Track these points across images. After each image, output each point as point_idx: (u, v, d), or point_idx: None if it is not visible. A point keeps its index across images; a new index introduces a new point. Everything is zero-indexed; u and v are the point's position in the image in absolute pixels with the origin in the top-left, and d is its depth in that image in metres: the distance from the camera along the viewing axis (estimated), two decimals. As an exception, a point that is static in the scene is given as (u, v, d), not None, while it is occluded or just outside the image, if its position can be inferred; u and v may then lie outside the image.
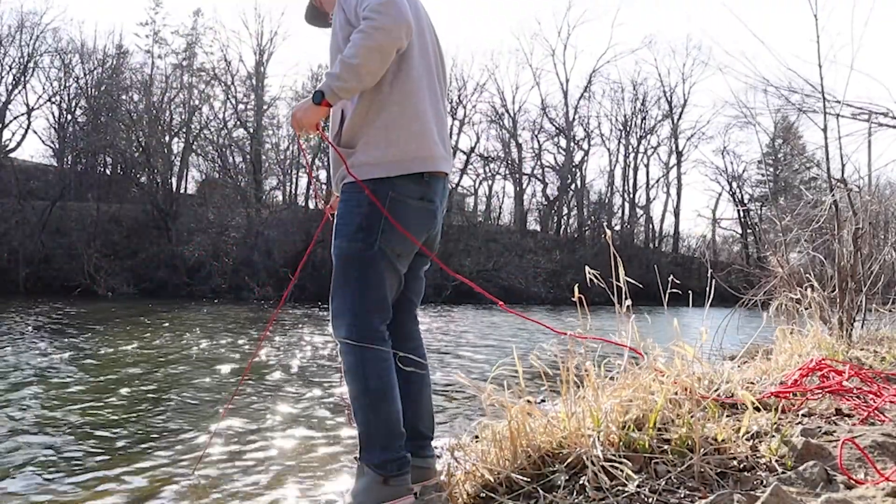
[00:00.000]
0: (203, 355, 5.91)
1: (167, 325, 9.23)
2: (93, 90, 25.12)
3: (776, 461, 1.57)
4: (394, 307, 1.85)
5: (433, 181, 1.82)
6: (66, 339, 6.91)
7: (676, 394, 1.82)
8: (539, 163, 35.65)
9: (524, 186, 34.68)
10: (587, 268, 1.89)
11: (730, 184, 35.87)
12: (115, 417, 3.37)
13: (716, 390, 2.11)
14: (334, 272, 1.80)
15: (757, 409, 2.02)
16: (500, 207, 35.08)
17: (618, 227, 34.58)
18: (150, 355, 5.80)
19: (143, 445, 2.85)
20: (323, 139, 1.87)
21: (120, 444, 2.87)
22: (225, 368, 5.16)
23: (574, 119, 34.99)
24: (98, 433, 3.05)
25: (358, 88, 1.70)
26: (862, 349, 3.75)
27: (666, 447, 1.63)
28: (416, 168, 1.77)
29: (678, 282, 1.90)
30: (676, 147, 36.16)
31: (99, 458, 2.65)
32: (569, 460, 1.59)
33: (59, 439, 2.91)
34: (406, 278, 1.89)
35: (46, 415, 3.38)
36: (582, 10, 54.91)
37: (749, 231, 33.56)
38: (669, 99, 35.83)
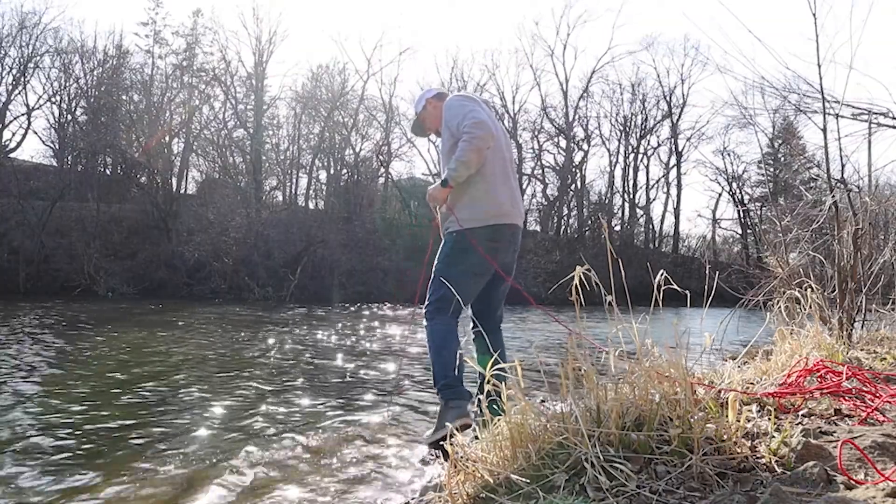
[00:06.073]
0: (205, 355, 5.91)
1: (168, 325, 9.23)
2: (93, 90, 25.14)
3: (776, 461, 1.57)
4: (482, 310, 3.02)
5: (500, 228, 2.82)
6: (66, 340, 6.91)
7: (676, 394, 1.82)
8: (539, 163, 35.70)
9: (524, 187, 34.68)
10: (577, 267, 1.87)
11: (730, 184, 35.91)
12: (117, 417, 3.36)
13: (718, 391, 2.10)
14: (432, 277, 2.82)
15: (745, 404, 2.02)
16: (500, 208, 35.07)
17: (618, 228, 34.60)
18: (151, 355, 5.80)
19: (147, 445, 2.85)
20: (448, 207, 2.90)
21: (122, 443, 2.87)
22: (226, 368, 5.16)
23: (574, 119, 35.02)
24: (100, 433, 3.05)
25: (467, 175, 2.74)
26: (862, 349, 3.75)
27: (665, 447, 1.63)
28: (487, 222, 2.78)
29: (672, 283, 1.89)
30: (676, 147, 36.22)
31: (101, 457, 2.65)
32: (569, 461, 1.59)
33: (59, 438, 2.92)
34: (491, 293, 3.00)
35: (45, 414, 3.38)
36: (582, 10, 54.91)
37: (749, 231, 33.58)
38: (669, 99, 35.90)
